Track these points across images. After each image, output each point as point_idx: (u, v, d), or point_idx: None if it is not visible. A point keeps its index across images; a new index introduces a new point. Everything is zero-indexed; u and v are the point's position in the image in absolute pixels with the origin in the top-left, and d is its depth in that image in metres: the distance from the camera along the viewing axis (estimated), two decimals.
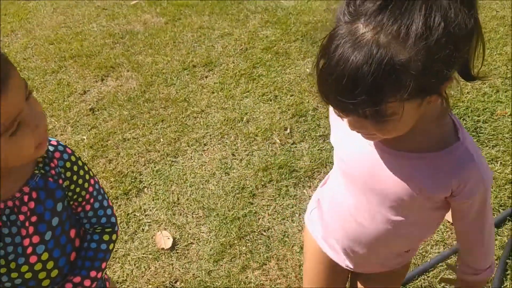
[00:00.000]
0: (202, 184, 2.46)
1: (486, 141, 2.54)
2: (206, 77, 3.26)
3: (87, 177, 1.09)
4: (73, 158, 1.06)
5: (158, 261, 2.12)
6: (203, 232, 2.23)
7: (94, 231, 1.15)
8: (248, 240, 2.18)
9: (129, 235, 2.24)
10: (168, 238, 2.19)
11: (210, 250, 2.15)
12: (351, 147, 1.10)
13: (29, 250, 1.00)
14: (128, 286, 2.03)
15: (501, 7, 3.67)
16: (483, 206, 1.05)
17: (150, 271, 2.09)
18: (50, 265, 1.06)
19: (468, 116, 2.69)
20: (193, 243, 2.19)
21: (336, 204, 1.25)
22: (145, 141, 2.74)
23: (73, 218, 1.11)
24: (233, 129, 2.78)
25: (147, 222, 2.30)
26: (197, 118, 2.89)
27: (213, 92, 3.09)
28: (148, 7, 4.26)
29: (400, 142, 1.00)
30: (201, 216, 2.31)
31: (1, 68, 0.80)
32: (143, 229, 2.27)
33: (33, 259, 1.02)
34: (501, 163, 2.41)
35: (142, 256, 2.14)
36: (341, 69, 0.79)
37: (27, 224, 0.98)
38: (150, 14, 4.13)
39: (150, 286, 2.02)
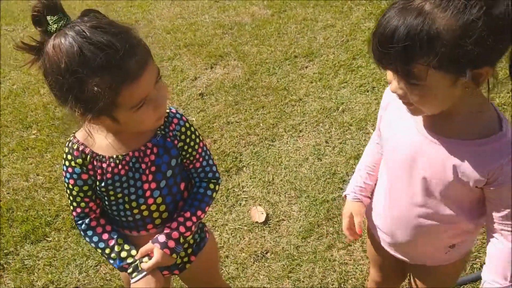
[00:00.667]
0: (296, 167, 2.65)
1: None
2: (306, 67, 3.42)
3: (197, 140, 1.34)
4: (187, 125, 1.31)
5: (251, 232, 2.35)
6: (293, 211, 2.42)
7: (202, 181, 1.39)
8: (336, 222, 2.32)
9: (227, 208, 2.49)
10: (262, 213, 2.41)
11: (300, 228, 2.33)
12: (398, 131, 1.20)
13: (148, 193, 1.27)
14: (224, 251, 2.29)
15: None
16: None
17: (244, 240, 2.32)
18: (162, 207, 1.31)
19: None
20: (284, 220, 2.39)
21: (379, 189, 1.36)
22: (246, 125, 2.98)
23: (184, 174, 1.36)
24: (328, 117, 2.92)
25: (244, 197, 2.54)
26: (295, 106, 3.07)
27: (311, 82, 3.24)
28: None
29: (442, 127, 1.08)
30: (292, 196, 2.49)
31: (142, 56, 1.04)
32: (240, 204, 2.51)
33: (150, 200, 1.28)
34: None
35: (238, 227, 2.38)
36: (384, 26, 0.93)
37: (147, 172, 1.24)
38: (257, 6, 4.37)
39: (243, 254, 2.26)
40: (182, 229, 1.30)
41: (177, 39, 4.09)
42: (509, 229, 1.11)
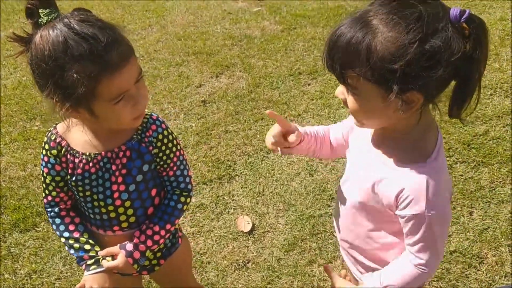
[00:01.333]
0: (287, 181, 2.67)
1: None
2: (308, 84, 3.47)
3: (173, 149, 1.36)
4: (165, 133, 1.33)
5: (236, 241, 2.38)
6: (280, 223, 2.44)
7: (174, 192, 1.41)
8: (320, 238, 2.34)
9: (215, 214, 2.52)
10: (248, 223, 2.44)
11: (283, 240, 2.35)
12: (355, 142, 1.30)
13: (116, 195, 1.30)
14: (207, 257, 2.31)
15: None
16: (420, 231, 1.11)
17: (228, 248, 2.35)
18: (130, 211, 1.34)
19: None
20: (269, 232, 2.41)
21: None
22: (244, 135, 3.02)
23: (157, 180, 1.38)
24: None
25: (233, 206, 2.57)
26: (293, 121, 3.11)
27: (312, 99, 3.29)
28: (269, 14, 4.58)
29: (382, 144, 1.16)
30: (280, 209, 2.52)
31: (124, 50, 1.09)
32: (228, 212, 2.54)
33: (117, 202, 1.31)
34: None
35: (223, 235, 2.41)
36: (334, 32, 1.01)
37: (117, 174, 1.28)
38: (268, 21, 4.45)
39: (225, 262, 2.28)
40: (149, 243, 1.34)
41: (187, 46, 4.16)
42: (415, 255, 1.16)
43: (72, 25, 1.05)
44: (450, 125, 2.84)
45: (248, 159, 2.85)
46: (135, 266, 1.34)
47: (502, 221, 2.30)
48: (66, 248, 1.37)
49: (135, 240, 1.34)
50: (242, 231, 2.41)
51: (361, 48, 0.95)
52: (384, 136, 1.18)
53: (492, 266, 2.13)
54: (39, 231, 2.51)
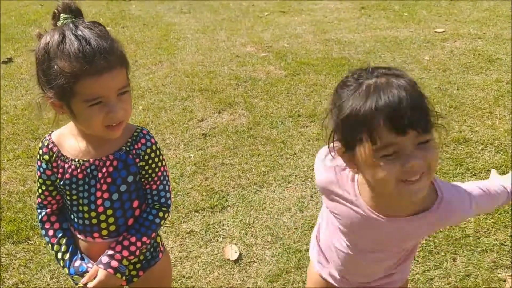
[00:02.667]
0: (277, 215, 2.74)
1: None
2: (307, 126, 3.59)
3: (159, 164, 1.44)
4: (154, 147, 1.41)
5: (222, 268, 2.42)
6: (266, 255, 2.49)
7: (154, 206, 1.47)
8: (304, 272, 2.38)
9: (204, 241, 2.57)
10: (236, 252, 2.49)
11: (268, 271, 2.39)
12: (347, 212, 1.31)
13: (99, 201, 1.37)
14: (192, 282, 2.34)
15: None
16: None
17: (213, 275, 2.38)
18: (111, 220, 1.40)
19: None
20: (256, 262, 2.45)
21: (335, 249, 1.46)
22: (240, 169, 3.11)
23: (140, 193, 1.44)
24: None
25: (222, 235, 2.62)
26: (289, 159, 3.21)
27: (309, 140, 3.40)
28: (274, 60, 4.78)
29: (389, 207, 1.22)
30: (268, 241, 2.57)
31: (112, 61, 1.20)
32: (217, 240, 2.59)
33: (100, 209, 1.38)
34: None
35: (210, 261, 2.45)
36: (389, 99, 1.04)
37: (102, 181, 1.35)
38: (274, 66, 4.64)
39: (209, 287, 2.31)
40: (125, 253, 1.39)
41: (193, 83, 4.33)
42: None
43: (75, 28, 1.19)
44: (440, 175, 2.93)
45: (242, 191, 2.93)
46: (118, 275, 1.38)
47: (484, 269, 2.33)
48: (48, 248, 1.46)
49: (110, 252, 1.39)
50: (228, 259, 2.46)
51: (422, 101, 1.07)
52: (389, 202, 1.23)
53: None
54: (31, 244, 2.56)
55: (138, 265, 1.54)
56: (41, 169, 1.41)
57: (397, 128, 1.02)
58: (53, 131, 1.42)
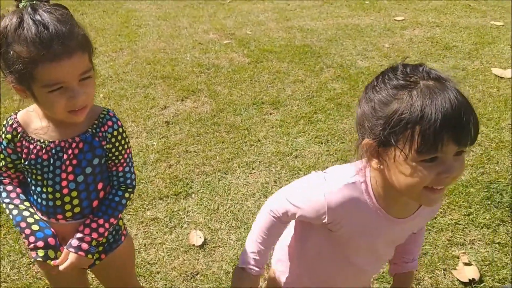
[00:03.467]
0: (242, 201, 2.76)
1: None
2: (270, 113, 3.62)
3: (125, 146, 1.44)
4: (120, 130, 1.41)
5: (187, 254, 2.42)
6: (231, 240, 2.51)
7: (120, 188, 1.48)
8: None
9: (169, 228, 2.57)
10: (200, 238, 2.50)
11: (233, 255, 2.41)
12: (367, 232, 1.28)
13: (64, 183, 1.36)
14: (157, 268, 2.34)
15: None
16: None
17: (178, 260, 2.39)
18: (75, 202, 1.40)
19: (507, 193, 2.77)
20: (220, 247, 2.47)
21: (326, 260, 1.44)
22: (204, 156, 3.12)
23: (105, 175, 1.44)
24: (281, 160, 3.08)
25: (187, 221, 2.63)
26: (253, 146, 3.23)
27: (272, 127, 3.43)
28: (237, 47, 4.78)
29: (396, 211, 1.24)
30: (233, 226, 2.59)
31: (71, 45, 1.18)
32: (181, 226, 2.59)
33: (65, 191, 1.37)
34: None
35: (175, 247, 2.46)
36: (447, 109, 1.00)
37: (67, 163, 1.34)
38: (237, 54, 4.63)
39: (174, 273, 2.32)
40: (94, 235, 1.40)
41: (155, 70, 4.28)
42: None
43: (33, 12, 1.16)
44: None
45: (206, 178, 2.94)
46: (89, 256, 1.39)
47: (440, 248, 2.44)
48: (7, 212, 1.40)
49: (79, 235, 1.39)
50: (193, 245, 2.47)
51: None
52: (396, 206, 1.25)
53: None
54: None
55: (100, 248, 1.53)
56: (2, 146, 1.37)
57: (459, 142, 1.00)
58: (19, 111, 1.38)
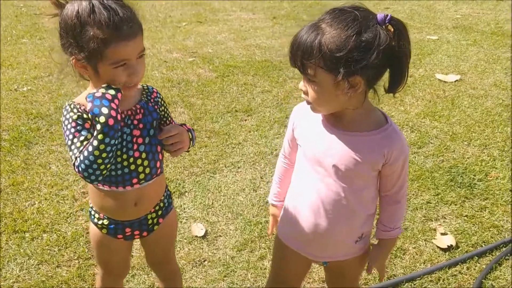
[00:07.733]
0: (234, 196, 2.94)
1: (478, 195, 2.97)
2: (245, 120, 3.85)
3: (168, 110, 1.64)
4: (162, 97, 1.63)
5: (191, 244, 2.56)
6: (230, 229, 2.68)
7: None
8: (268, 239, 2.61)
9: None
10: (202, 229, 2.65)
11: (235, 242, 2.58)
12: (311, 134, 1.49)
13: (135, 147, 1.50)
14: None
15: (507, 97, 4.24)
16: (402, 171, 1.45)
17: (184, 250, 2.52)
18: (146, 163, 1.54)
19: (466, 175, 3.15)
20: (221, 236, 2.63)
21: (296, 187, 1.62)
22: (190, 159, 3.27)
23: (158, 140, 1.58)
24: (263, 159, 3.30)
25: (185, 216, 2.77)
26: (235, 148, 3.43)
27: (250, 131, 3.65)
28: (203, 64, 5.00)
29: (344, 124, 1.43)
30: (230, 218, 2.76)
31: (135, 28, 1.36)
32: (181, 221, 2.73)
33: (136, 154, 1.51)
34: (488, 211, 2.82)
35: (179, 240, 2.58)
36: (295, 37, 1.32)
37: (136, 127, 1.50)
38: (203, 69, 4.86)
39: (182, 261, 2.45)
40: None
41: None
42: (399, 193, 1.52)
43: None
44: None
45: (196, 178, 3.09)
46: (190, 134, 1.59)
47: (418, 223, 2.74)
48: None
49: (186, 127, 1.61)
50: (196, 236, 2.61)
51: (314, 44, 1.28)
52: (338, 117, 1.43)
53: (413, 256, 2.52)
54: None
55: (160, 212, 1.67)
56: (78, 127, 1.41)
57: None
58: (73, 100, 1.49)
